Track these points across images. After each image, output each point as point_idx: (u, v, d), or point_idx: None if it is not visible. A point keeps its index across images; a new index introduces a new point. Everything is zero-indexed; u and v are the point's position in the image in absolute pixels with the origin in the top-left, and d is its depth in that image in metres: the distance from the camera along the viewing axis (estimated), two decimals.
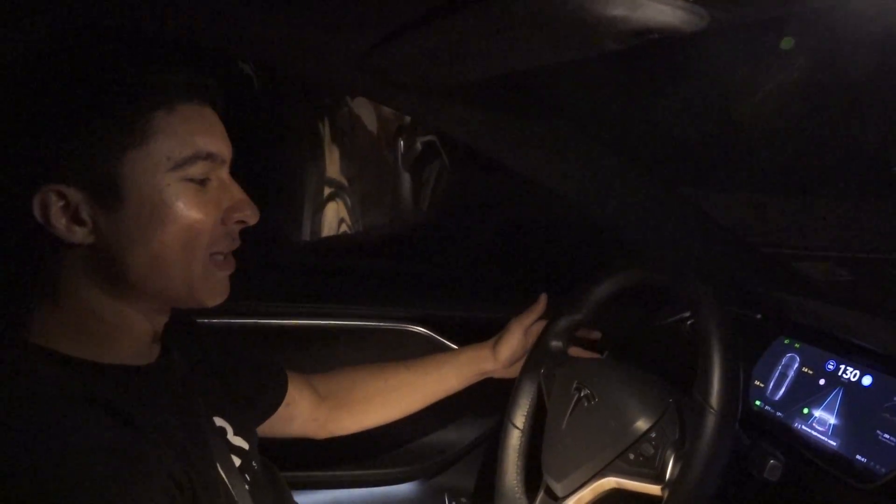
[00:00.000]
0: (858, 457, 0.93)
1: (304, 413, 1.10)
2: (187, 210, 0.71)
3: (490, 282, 1.55)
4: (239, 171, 0.78)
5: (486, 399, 1.26)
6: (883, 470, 0.90)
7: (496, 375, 1.23)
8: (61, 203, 0.67)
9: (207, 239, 0.73)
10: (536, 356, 1.14)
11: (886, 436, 0.92)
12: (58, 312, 0.71)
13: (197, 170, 0.71)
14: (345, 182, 2.09)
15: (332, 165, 2.07)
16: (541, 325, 1.18)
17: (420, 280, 1.50)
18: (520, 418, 1.13)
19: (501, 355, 1.20)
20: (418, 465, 1.42)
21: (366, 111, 2.12)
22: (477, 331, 1.27)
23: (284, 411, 1.06)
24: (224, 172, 0.76)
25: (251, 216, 0.77)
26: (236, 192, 0.76)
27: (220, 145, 0.74)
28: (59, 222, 0.67)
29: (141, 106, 0.69)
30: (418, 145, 1.97)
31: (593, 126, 1.12)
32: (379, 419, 1.19)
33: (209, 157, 0.72)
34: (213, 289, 0.76)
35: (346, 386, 1.16)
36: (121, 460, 0.62)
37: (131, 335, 0.75)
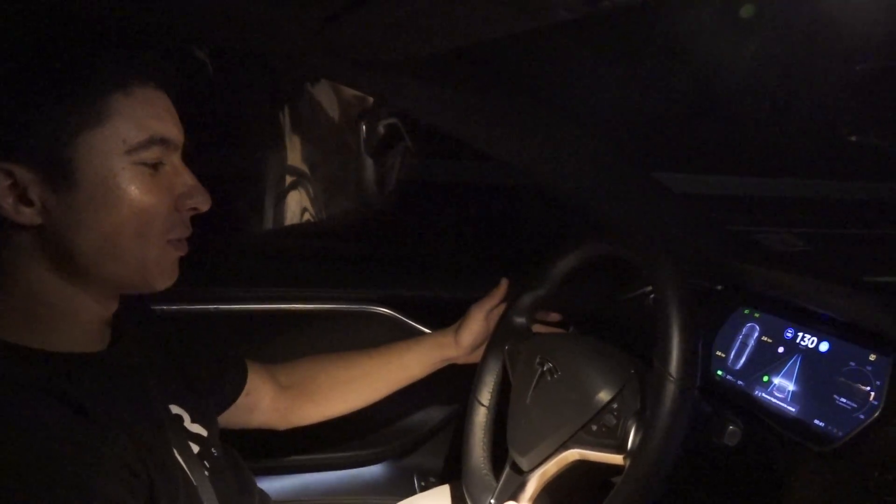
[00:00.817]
0: (816, 421, 0.95)
1: (264, 403, 1.09)
2: (141, 195, 0.70)
3: (454, 262, 1.55)
4: (196, 160, 0.78)
5: (453, 379, 1.26)
6: (840, 433, 0.92)
7: (459, 361, 1.23)
8: (8, 182, 0.66)
9: (162, 225, 0.73)
10: (501, 333, 1.14)
11: (843, 400, 0.93)
12: (3, 298, 0.70)
13: (151, 154, 0.71)
14: (307, 170, 2.07)
15: (294, 154, 2.05)
16: (502, 309, 1.18)
17: (383, 262, 1.50)
18: (485, 395, 1.13)
19: (464, 341, 1.20)
20: (386, 446, 1.42)
21: (326, 97, 2.09)
22: (442, 311, 1.27)
23: (244, 401, 1.05)
24: (177, 158, 0.75)
25: (203, 202, 0.76)
26: (188, 178, 0.75)
27: (174, 130, 0.74)
28: (6, 202, 0.66)
29: (97, 88, 0.68)
30: (381, 129, 1.95)
31: (557, 102, 1.12)
32: (341, 409, 1.19)
33: (163, 141, 0.72)
34: (165, 272, 0.76)
35: (308, 375, 1.16)
36: (71, 447, 0.62)
37: (81, 321, 0.74)
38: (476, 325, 1.20)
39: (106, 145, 0.68)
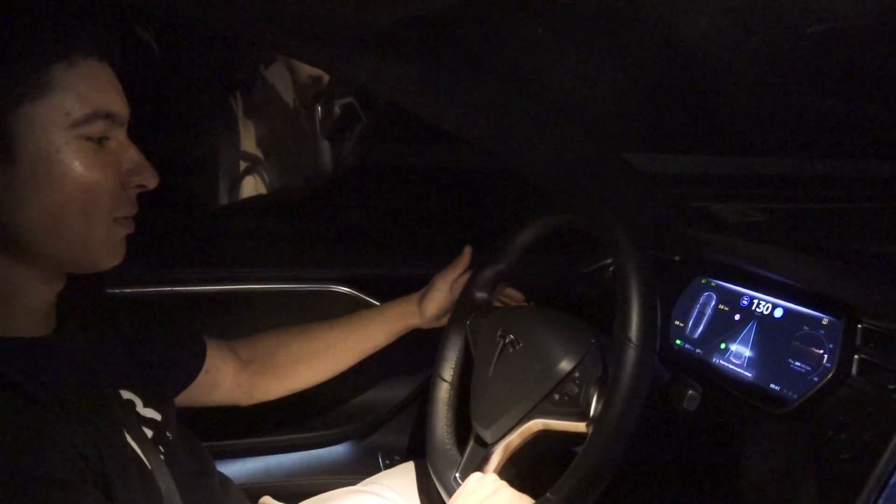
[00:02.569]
0: (772, 385, 0.97)
1: (226, 380, 1.08)
2: (85, 171, 0.68)
3: (413, 238, 1.54)
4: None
5: (416, 356, 1.26)
6: (794, 396, 0.94)
7: (424, 326, 1.22)
8: None
9: (109, 202, 0.71)
10: (462, 308, 1.14)
11: (798, 364, 0.96)
12: None
13: (96, 128, 0.69)
14: (261, 156, 2.04)
15: (248, 140, 2.02)
16: (466, 278, 1.18)
17: (341, 240, 1.48)
18: (448, 371, 1.13)
19: (428, 312, 1.19)
20: (350, 425, 1.41)
21: (281, 81, 2.06)
22: (401, 288, 1.26)
23: (205, 379, 1.03)
24: (122, 134, 0.73)
25: (150, 179, 0.74)
26: (135, 155, 0.73)
27: (120, 104, 0.72)
28: None
29: (38, 58, 0.65)
30: (337, 109, 1.93)
31: (521, 79, 1.11)
32: (305, 381, 1.18)
33: (109, 116, 0.70)
34: (111, 250, 0.74)
35: (270, 349, 1.14)
36: (14, 430, 0.60)
37: (24, 304, 0.71)
38: (441, 295, 1.19)
39: (48, 118, 0.66)
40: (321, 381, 1.19)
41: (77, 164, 0.67)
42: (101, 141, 0.70)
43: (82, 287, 0.81)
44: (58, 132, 0.66)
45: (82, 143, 0.68)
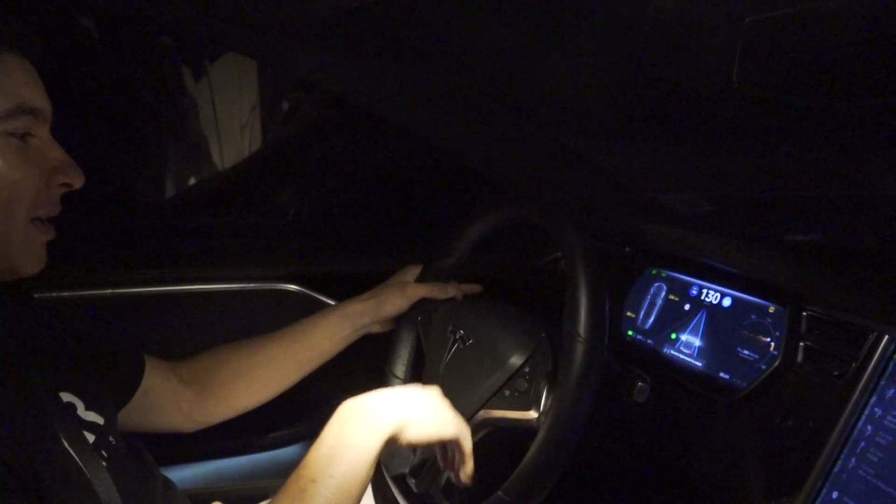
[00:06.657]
0: (722, 374, 0.98)
1: (165, 402, 1.00)
2: (9, 168, 0.66)
3: (364, 234, 1.52)
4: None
5: (370, 354, 1.23)
6: (743, 384, 0.95)
7: (374, 330, 1.15)
8: None
9: (29, 201, 0.68)
10: (413, 304, 1.12)
11: (746, 352, 0.96)
12: None
13: (20, 124, 0.67)
14: (208, 154, 2.00)
15: (194, 139, 1.98)
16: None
17: (290, 237, 1.45)
18: (400, 368, 1.11)
19: (384, 312, 1.12)
20: (304, 425, 1.38)
21: (228, 78, 2.02)
22: (353, 285, 1.23)
23: (143, 400, 0.96)
24: (46, 132, 0.71)
25: (76, 178, 0.72)
26: (59, 154, 0.71)
27: (44, 101, 0.70)
28: None
29: None
30: (284, 105, 1.90)
31: (458, 67, 1.10)
32: (247, 402, 1.09)
33: (32, 111, 0.68)
34: (32, 255, 0.71)
35: (209, 368, 1.06)
36: None
37: None
38: (400, 297, 1.12)
39: None
40: (266, 399, 1.10)
41: (0, 161, 0.65)
42: (24, 137, 0.68)
43: (6, 291, 0.78)
44: None
45: (5, 139, 0.66)
